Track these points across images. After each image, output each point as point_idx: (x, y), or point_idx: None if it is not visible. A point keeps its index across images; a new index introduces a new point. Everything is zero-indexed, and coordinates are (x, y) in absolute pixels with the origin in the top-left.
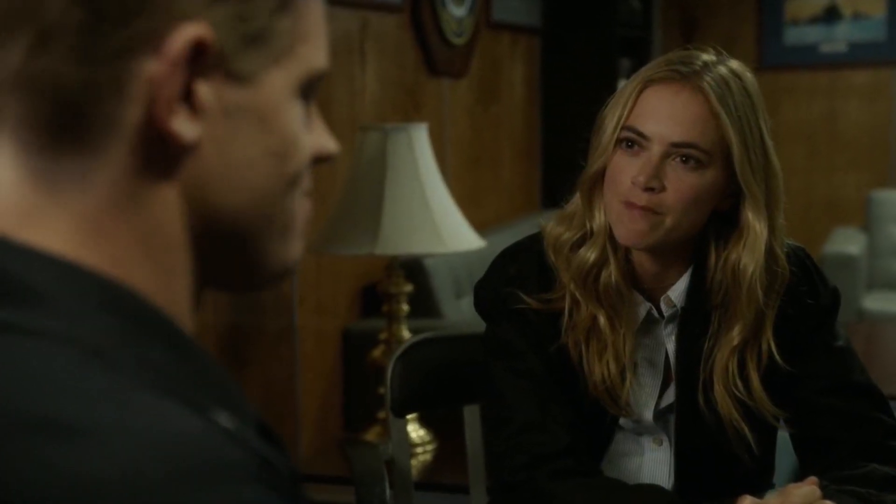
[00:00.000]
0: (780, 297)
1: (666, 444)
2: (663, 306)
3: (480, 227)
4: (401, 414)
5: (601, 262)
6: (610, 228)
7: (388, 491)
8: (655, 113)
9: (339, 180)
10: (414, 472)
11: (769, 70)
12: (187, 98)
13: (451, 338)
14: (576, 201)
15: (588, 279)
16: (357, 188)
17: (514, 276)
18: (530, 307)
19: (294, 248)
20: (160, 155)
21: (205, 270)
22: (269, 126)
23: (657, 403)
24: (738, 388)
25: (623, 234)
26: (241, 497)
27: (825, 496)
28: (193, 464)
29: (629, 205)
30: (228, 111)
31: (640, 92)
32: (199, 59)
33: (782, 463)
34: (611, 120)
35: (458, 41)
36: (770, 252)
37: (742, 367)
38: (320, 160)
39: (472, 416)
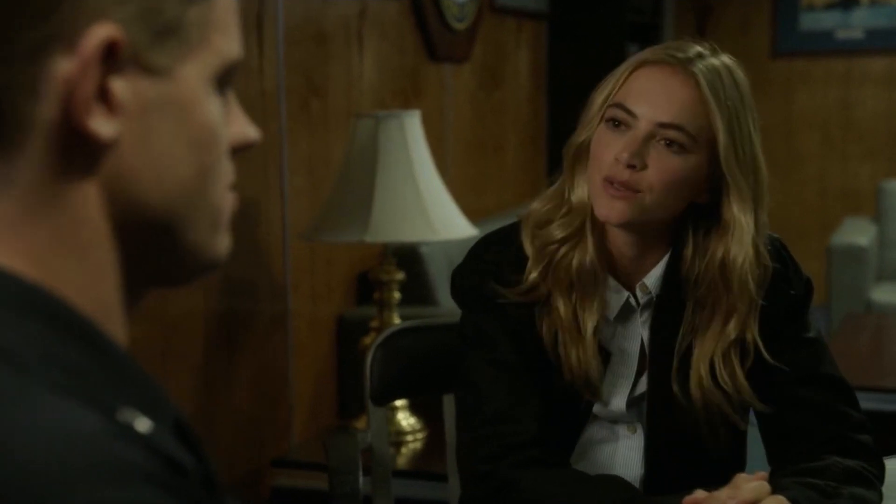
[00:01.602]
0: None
1: (639, 432)
2: (639, 293)
3: (482, 214)
4: (380, 402)
5: (572, 241)
6: (591, 207)
7: (360, 479)
8: (645, 93)
9: (335, 169)
10: (403, 460)
11: (784, 56)
12: (103, 96)
13: (430, 327)
14: (562, 181)
15: (554, 258)
16: (349, 175)
17: (492, 263)
18: (507, 298)
19: (221, 241)
20: (79, 153)
21: (134, 266)
22: (188, 118)
23: (631, 391)
24: (722, 379)
25: (602, 211)
26: (130, 498)
27: (783, 487)
28: (85, 463)
29: (609, 181)
30: (146, 105)
31: (633, 72)
32: (113, 57)
33: (755, 454)
34: (600, 95)
35: (459, 26)
36: (755, 248)
37: (725, 360)
38: (242, 149)
39: (451, 404)
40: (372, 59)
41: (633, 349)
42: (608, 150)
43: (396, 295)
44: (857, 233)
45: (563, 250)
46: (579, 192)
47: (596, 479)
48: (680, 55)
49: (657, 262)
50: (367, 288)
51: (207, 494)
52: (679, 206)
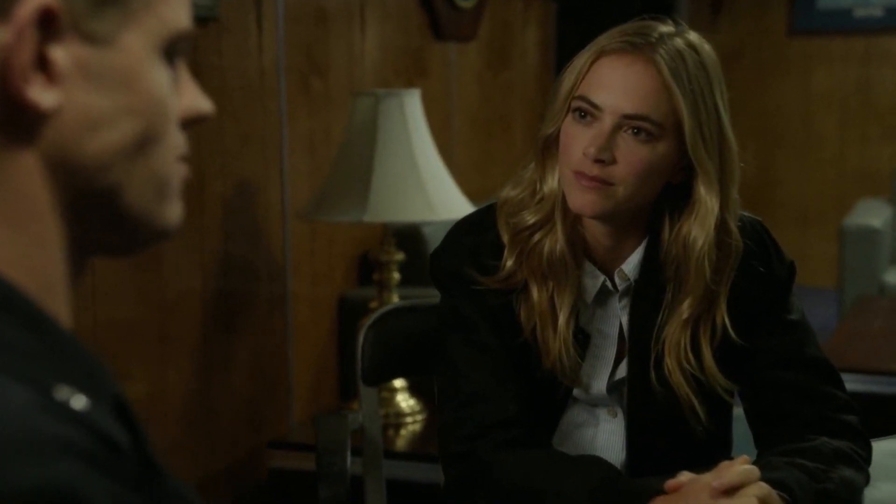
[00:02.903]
0: (735, 272)
1: (620, 415)
2: (617, 279)
3: (489, 194)
4: (372, 382)
5: (544, 228)
6: (562, 195)
7: (348, 460)
8: (608, 84)
9: (336, 149)
10: (402, 441)
11: (801, 35)
12: (42, 65)
13: (422, 307)
14: (534, 171)
15: (528, 245)
16: (348, 155)
17: (471, 247)
18: (485, 286)
19: (171, 211)
20: (17, 124)
21: (80, 236)
22: (131, 86)
23: (611, 375)
24: (689, 363)
25: (575, 203)
26: (55, 473)
27: (773, 467)
28: (14, 439)
29: (580, 175)
30: (87, 73)
31: (594, 62)
32: (50, 25)
33: (743, 436)
34: (565, 86)
35: (465, 4)
36: (722, 226)
37: (694, 341)
38: (194, 122)
39: None
40: (374, 37)
41: (612, 332)
42: (576, 143)
43: (396, 275)
44: (872, 214)
45: (536, 237)
46: (550, 183)
47: (576, 460)
48: (639, 41)
49: (635, 248)
50: (368, 269)
51: (145, 473)
52: (653, 191)
